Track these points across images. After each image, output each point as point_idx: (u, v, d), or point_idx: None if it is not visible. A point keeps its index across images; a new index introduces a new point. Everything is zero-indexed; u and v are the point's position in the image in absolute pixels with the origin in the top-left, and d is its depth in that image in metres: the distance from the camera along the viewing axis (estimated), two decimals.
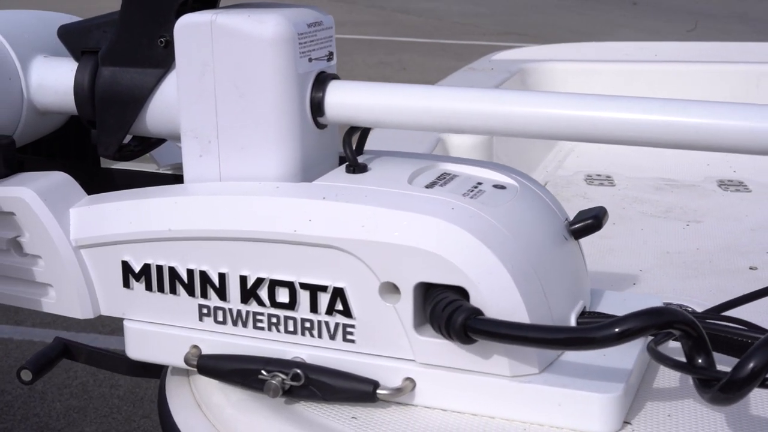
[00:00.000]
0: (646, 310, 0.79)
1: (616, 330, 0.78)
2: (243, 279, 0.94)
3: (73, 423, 2.68)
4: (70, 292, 1.01)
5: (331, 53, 1.02)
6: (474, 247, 0.86)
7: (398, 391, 0.89)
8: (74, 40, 1.08)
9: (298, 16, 0.96)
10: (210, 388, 0.97)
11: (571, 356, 0.90)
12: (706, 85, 2.24)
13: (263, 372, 0.92)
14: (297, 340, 0.94)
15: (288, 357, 0.93)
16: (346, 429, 0.88)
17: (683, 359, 0.83)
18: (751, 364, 0.74)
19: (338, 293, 0.90)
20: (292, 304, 0.93)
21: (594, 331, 0.79)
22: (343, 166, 1.00)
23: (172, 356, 0.98)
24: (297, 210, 0.91)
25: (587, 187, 1.87)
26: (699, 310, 1.08)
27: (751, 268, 1.41)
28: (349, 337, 0.91)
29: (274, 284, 0.93)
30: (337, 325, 0.91)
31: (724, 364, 0.82)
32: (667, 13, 11.49)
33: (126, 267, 0.99)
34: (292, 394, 0.92)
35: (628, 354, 0.90)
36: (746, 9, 12.04)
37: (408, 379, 0.90)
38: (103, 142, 1.07)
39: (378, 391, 0.89)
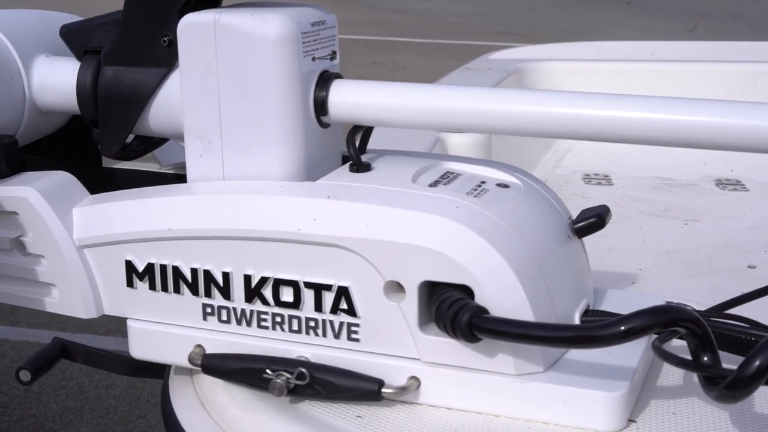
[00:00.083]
0: (652, 308, 0.79)
1: (622, 328, 0.78)
2: (247, 278, 0.94)
3: (69, 424, 2.68)
4: (73, 291, 1.01)
5: (334, 52, 1.02)
6: (479, 246, 0.86)
7: (403, 389, 0.89)
8: (76, 39, 1.08)
9: (301, 15, 0.96)
10: (214, 387, 0.97)
11: (576, 354, 0.90)
12: (704, 85, 2.25)
13: (268, 371, 0.92)
14: (301, 339, 0.94)
15: (292, 356, 0.93)
16: (351, 428, 0.88)
17: (687, 357, 0.83)
18: (757, 362, 0.74)
19: (343, 292, 0.90)
20: (296, 303, 0.93)
21: (600, 329, 0.79)
22: (347, 165, 1.00)
23: (176, 356, 0.98)
24: (301, 209, 0.91)
25: (585, 187, 1.87)
26: (699, 308, 1.08)
27: (749, 267, 1.42)
28: (353, 336, 0.91)
29: (278, 283, 0.93)
30: (341, 324, 0.92)
31: (727, 362, 0.83)
32: (663, 13, 11.51)
33: (129, 266, 0.99)
34: (296, 393, 0.92)
35: (633, 352, 0.91)
36: (740, 9, 12.06)
37: (413, 377, 0.90)
38: (105, 142, 1.07)
39: (383, 390, 0.89)
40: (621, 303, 1.01)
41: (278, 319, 0.94)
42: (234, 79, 0.95)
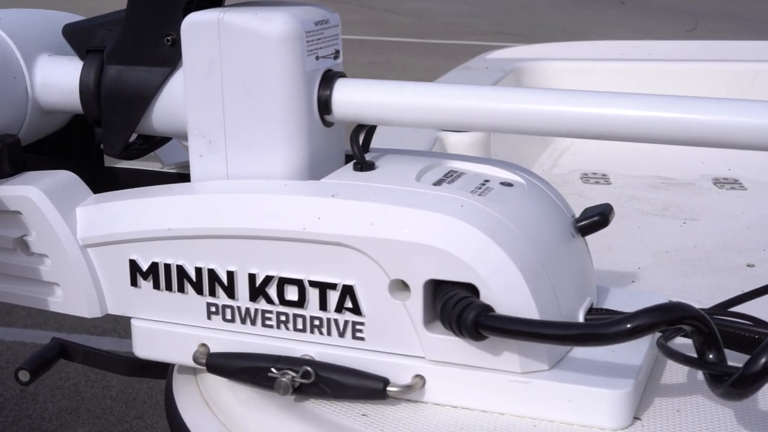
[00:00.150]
0: (657, 306, 0.79)
1: (629, 326, 0.78)
2: (252, 277, 0.94)
3: (65, 424, 2.67)
4: (77, 291, 1.01)
5: (337, 51, 1.02)
6: (484, 244, 0.86)
7: (408, 388, 0.89)
8: (79, 38, 1.08)
9: (305, 14, 0.97)
10: (218, 386, 0.97)
11: (580, 353, 0.91)
12: (702, 84, 2.25)
13: (273, 370, 0.92)
14: (306, 338, 0.94)
15: (297, 355, 0.93)
16: (357, 426, 0.88)
17: (692, 355, 0.83)
18: (764, 359, 0.75)
19: (347, 291, 0.90)
20: (301, 302, 0.93)
21: (606, 326, 0.79)
22: (351, 164, 1.00)
23: (181, 355, 0.98)
24: (306, 208, 0.91)
25: (583, 186, 1.87)
26: (699, 307, 1.08)
27: (748, 266, 1.42)
28: (358, 334, 0.91)
29: (282, 282, 0.93)
30: (346, 322, 0.92)
31: (731, 360, 0.83)
32: (660, 12, 11.52)
33: (133, 266, 0.98)
34: (301, 391, 0.92)
35: (637, 350, 0.91)
36: (736, 8, 12.09)
37: (418, 376, 0.90)
38: (109, 141, 1.07)
39: (388, 389, 0.89)
40: (624, 301, 1.01)
41: (283, 317, 0.94)
42: (238, 77, 0.95)
